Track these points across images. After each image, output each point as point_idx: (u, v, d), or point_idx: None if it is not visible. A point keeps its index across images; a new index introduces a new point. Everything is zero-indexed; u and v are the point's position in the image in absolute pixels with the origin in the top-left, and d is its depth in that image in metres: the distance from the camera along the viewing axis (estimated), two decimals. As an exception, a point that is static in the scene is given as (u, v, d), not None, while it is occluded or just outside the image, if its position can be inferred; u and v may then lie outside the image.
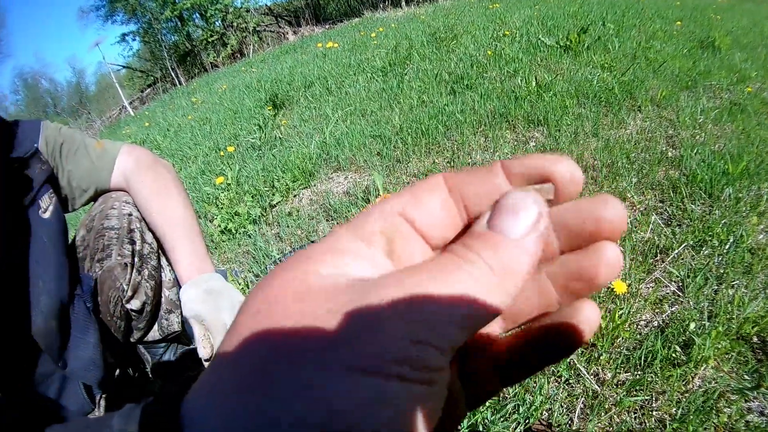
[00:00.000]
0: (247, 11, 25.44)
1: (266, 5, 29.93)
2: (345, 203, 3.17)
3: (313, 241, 2.72)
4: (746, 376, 1.67)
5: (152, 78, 29.55)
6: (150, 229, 1.58)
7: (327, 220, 3.11)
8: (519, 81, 4.63)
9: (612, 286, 1.79)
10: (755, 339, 1.83)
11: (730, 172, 2.85)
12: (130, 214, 1.54)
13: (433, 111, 4.29)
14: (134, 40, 28.61)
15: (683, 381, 1.64)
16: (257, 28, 25.66)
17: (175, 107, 11.01)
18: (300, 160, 3.88)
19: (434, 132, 3.86)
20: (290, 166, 3.84)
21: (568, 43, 5.51)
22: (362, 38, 9.98)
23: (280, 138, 4.87)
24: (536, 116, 3.84)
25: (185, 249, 1.49)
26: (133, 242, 1.52)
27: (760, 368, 1.69)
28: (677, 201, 2.63)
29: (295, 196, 3.63)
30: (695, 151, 3.16)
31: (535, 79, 4.52)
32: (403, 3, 18.64)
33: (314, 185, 3.70)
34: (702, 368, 1.68)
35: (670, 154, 3.22)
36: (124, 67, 32.16)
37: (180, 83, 24.04)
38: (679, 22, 7.74)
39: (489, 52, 5.73)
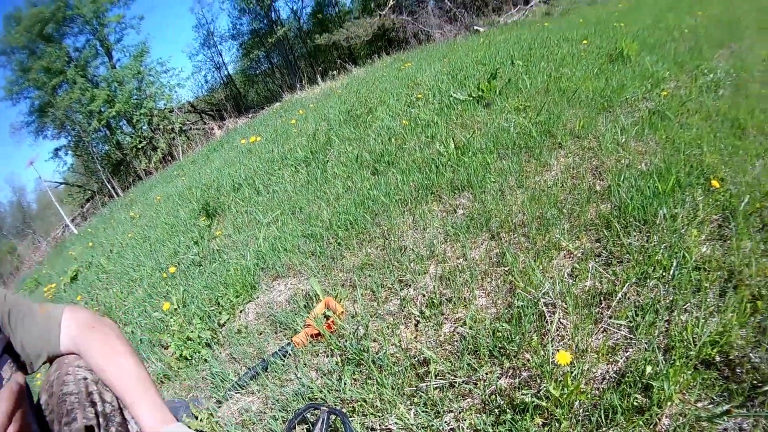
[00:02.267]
0: (171, 111, 26.41)
1: (189, 102, 30.95)
2: (289, 313, 3.26)
3: (264, 359, 2.81)
4: (715, 399, 1.78)
5: (90, 192, 30.15)
6: (108, 388, 1.77)
7: (275, 333, 3.21)
8: (438, 146, 4.86)
9: (556, 360, 1.89)
10: (718, 359, 1.95)
11: (661, 191, 3.05)
12: (85, 378, 1.73)
13: (359, 198, 4.47)
14: (66, 154, 29.42)
15: (650, 425, 1.75)
16: (183, 128, 26.51)
17: (115, 223, 11.53)
18: (239, 274, 4.02)
19: (362, 221, 4.03)
20: (231, 281, 3.97)
21: (480, 93, 5.83)
22: (283, 125, 10.40)
23: (217, 250, 5.02)
24: (460, 181, 4.05)
25: (144, 404, 1.69)
26: (93, 404, 1.71)
27: (729, 386, 1.81)
28: (613, 237, 2.79)
29: (241, 311, 3.75)
30: (622, 177, 3.37)
31: (453, 141, 4.76)
32: (320, 80, 19.32)
33: (257, 297, 3.82)
34: (667, 407, 1.78)
35: (597, 187, 3.44)
36: (61, 183, 32.55)
37: (117, 194, 24.79)
38: (585, 41, 8.24)
39: (404, 122, 6.00)
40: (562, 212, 3.20)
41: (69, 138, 28.44)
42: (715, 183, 3.09)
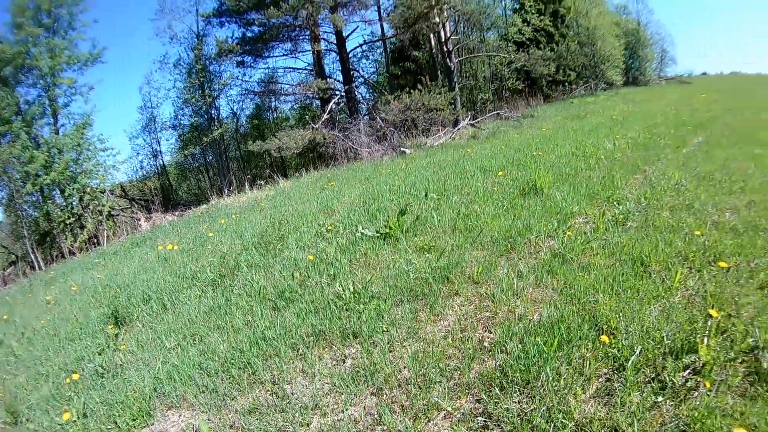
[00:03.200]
0: (102, 192, 26.01)
1: (120, 185, 30.56)
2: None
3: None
4: None
5: (14, 256, 29.14)
6: None
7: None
8: (338, 287, 4.97)
9: None
10: None
11: (546, 350, 3.17)
12: None
13: (255, 336, 4.53)
14: (-2, 207, 28.27)
15: None
16: (112, 212, 26.18)
17: (32, 302, 11.32)
18: (136, 398, 4.04)
19: (254, 363, 4.07)
20: (129, 402, 4.00)
21: (387, 230, 6.01)
22: (203, 234, 10.51)
23: (120, 365, 5.00)
24: (352, 329, 4.16)
25: None
26: None
27: None
28: (493, 400, 2.88)
29: (136, 437, 3.74)
30: (511, 332, 3.53)
31: (353, 283, 4.87)
32: (248, 187, 19.54)
33: (152, 424, 3.81)
34: None
35: (486, 342, 3.58)
36: (-15, 237, 31.36)
37: (40, 267, 24.00)
38: (501, 172, 8.62)
39: (310, 257, 6.10)
40: (445, 371, 3.29)
41: (2, 193, 27.78)
42: (604, 338, 3.26)
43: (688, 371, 2.89)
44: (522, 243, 5.28)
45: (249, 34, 26.63)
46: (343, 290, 4.82)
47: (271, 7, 21.53)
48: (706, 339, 3.04)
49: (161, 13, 31.34)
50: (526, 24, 35.19)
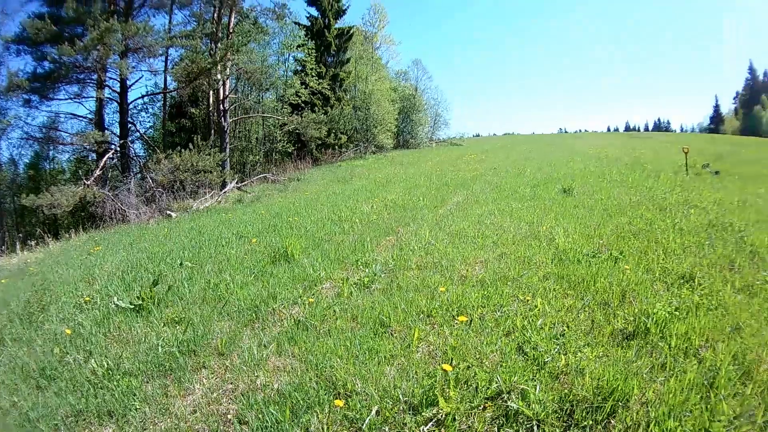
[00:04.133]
0: None
1: None
2: None
3: None
4: None
5: None
6: None
7: None
8: (93, 363, 4.89)
9: None
10: None
11: (281, 418, 3.49)
12: None
13: (20, 419, 4.29)
14: None
15: None
16: None
17: None
18: None
19: None
20: None
21: (140, 301, 6.06)
22: None
23: None
24: (107, 408, 4.14)
25: None
26: None
27: None
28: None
29: None
30: (250, 404, 3.79)
31: (106, 360, 4.87)
32: (18, 247, 18.12)
33: None
34: None
35: (230, 415, 3.80)
36: None
37: None
38: (255, 239, 8.94)
39: (68, 331, 5.93)
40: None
41: None
42: (338, 402, 3.55)
43: (430, 424, 3.23)
44: (266, 312, 5.58)
45: (40, 70, 24.24)
46: (98, 367, 4.80)
47: (66, 44, 20.29)
48: (445, 391, 3.41)
49: (-32, 26, 28.35)
50: (304, 86, 36.16)
